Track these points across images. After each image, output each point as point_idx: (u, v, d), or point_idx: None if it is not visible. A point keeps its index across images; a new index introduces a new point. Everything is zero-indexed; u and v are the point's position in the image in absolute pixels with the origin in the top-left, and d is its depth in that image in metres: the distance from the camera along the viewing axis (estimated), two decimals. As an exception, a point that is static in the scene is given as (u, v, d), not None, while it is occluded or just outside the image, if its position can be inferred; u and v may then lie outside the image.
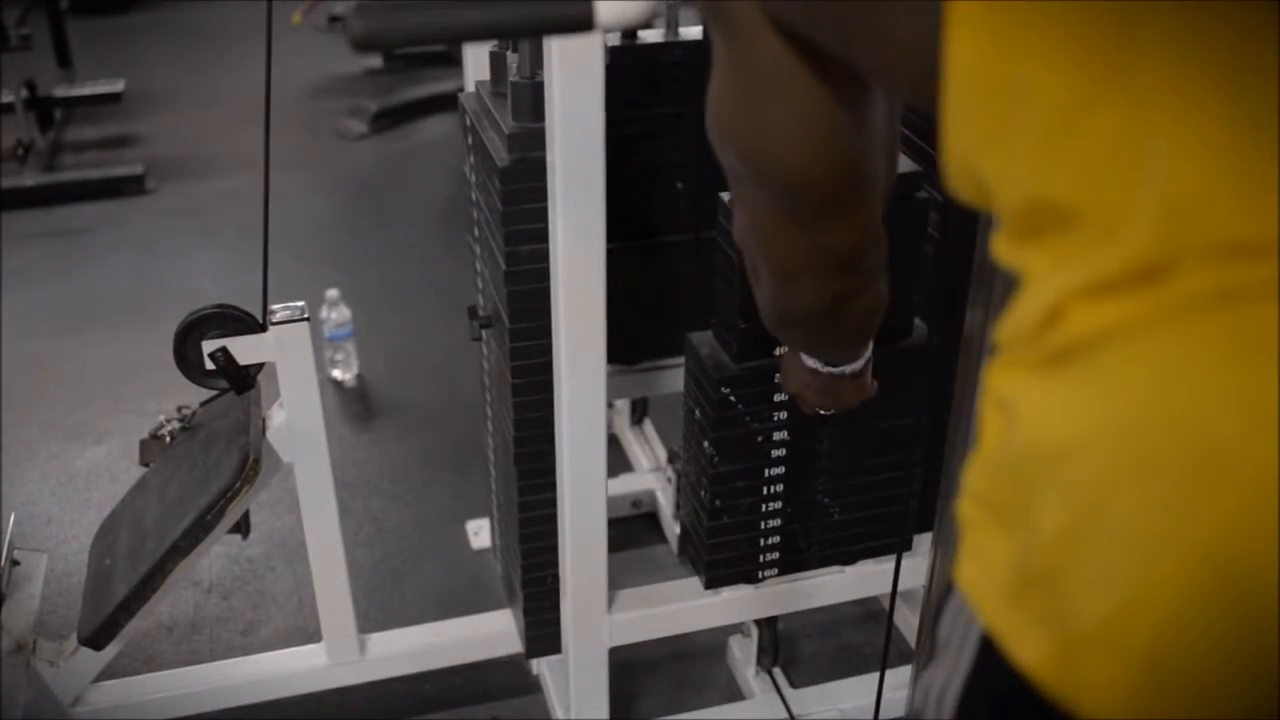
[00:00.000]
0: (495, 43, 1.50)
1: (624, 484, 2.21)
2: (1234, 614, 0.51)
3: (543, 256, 1.39)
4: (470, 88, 1.65)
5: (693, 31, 1.60)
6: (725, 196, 1.41)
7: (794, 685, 1.84)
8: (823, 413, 1.32)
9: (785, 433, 1.48)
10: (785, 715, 1.76)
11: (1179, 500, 0.51)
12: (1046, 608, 0.57)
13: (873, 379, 1.25)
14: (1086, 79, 0.52)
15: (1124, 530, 0.53)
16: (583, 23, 0.95)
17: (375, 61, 4.79)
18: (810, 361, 1.19)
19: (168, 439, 1.63)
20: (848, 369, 1.19)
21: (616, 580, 1.59)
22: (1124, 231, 0.52)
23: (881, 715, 1.56)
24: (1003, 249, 0.61)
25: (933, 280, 1.52)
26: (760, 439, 1.48)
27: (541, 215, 1.37)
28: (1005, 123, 0.56)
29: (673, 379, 1.71)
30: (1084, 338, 0.55)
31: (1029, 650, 0.59)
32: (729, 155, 0.85)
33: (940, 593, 1.44)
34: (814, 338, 1.13)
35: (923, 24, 0.58)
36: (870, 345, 1.18)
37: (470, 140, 1.57)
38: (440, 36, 0.90)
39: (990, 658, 0.61)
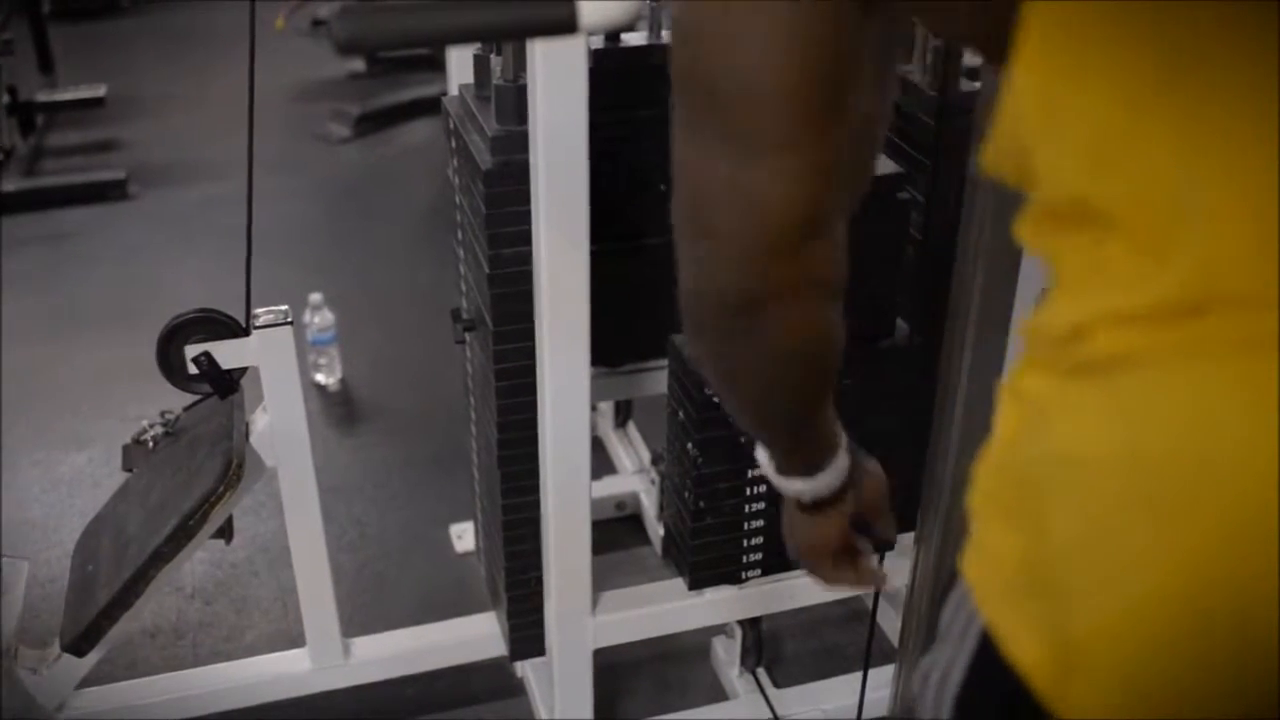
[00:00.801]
0: (479, 46, 1.50)
1: (608, 486, 2.21)
2: (1225, 641, 0.52)
3: (526, 259, 1.40)
4: (454, 91, 1.65)
5: (675, 35, 1.61)
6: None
7: (778, 685, 1.84)
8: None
9: (768, 434, 1.49)
10: (769, 715, 1.77)
11: (1182, 529, 0.52)
12: (1046, 612, 0.58)
13: (866, 544, 0.98)
14: (1139, 100, 0.53)
15: (1131, 552, 0.54)
16: (565, 25, 0.96)
17: (359, 65, 4.79)
18: (761, 454, 0.95)
19: (151, 444, 1.63)
20: (797, 488, 0.93)
21: (600, 582, 1.60)
22: (1159, 272, 0.53)
23: (864, 715, 1.57)
24: (1029, 233, 0.61)
25: (915, 281, 1.53)
26: (743, 440, 1.48)
27: (525, 218, 1.37)
28: (1065, 115, 0.57)
29: (656, 381, 1.71)
30: (1107, 358, 0.56)
31: (1025, 650, 0.60)
32: (689, 79, 0.71)
33: (943, 581, 1.45)
34: (730, 359, 0.81)
35: None
36: (837, 468, 0.92)
37: (454, 144, 1.57)
38: (423, 39, 0.91)
39: (992, 650, 0.62)
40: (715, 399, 1.44)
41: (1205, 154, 0.51)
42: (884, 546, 0.99)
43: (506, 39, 1.35)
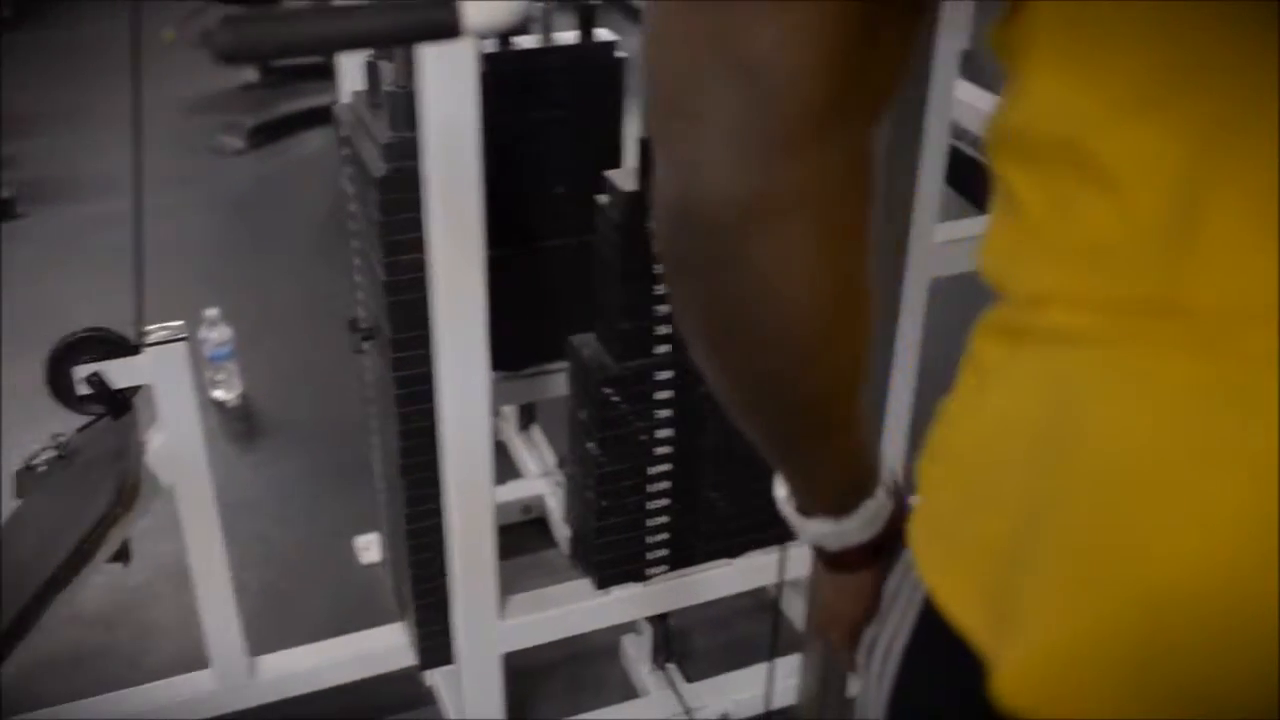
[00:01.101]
0: (370, 52, 1.50)
1: (513, 490, 2.21)
2: (1169, 652, 0.50)
3: (423, 266, 1.39)
4: (346, 99, 1.64)
5: (568, 36, 1.62)
6: (603, 199, 1.42)
7: (689, 680, 1.86)
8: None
9: (669, 430, 1.51)
10: (680, 710, 1.78)
11: (1136, 529, 0.50)
12: (988, 581, 0.56)
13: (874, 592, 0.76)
14: (1143, 108, 0.49)
15: (1075, 544, 0.51)
16: (449, 29, 0.96)
17: (251, 76, 4.71)
18: (779, 488, 0.76)
19: (43, 469, 1.59)
20: (819, 531, 0.74)
21: (509, 586, 1.60)
22: (1157, 258, 0.49)
23: (774, 704, 1.59)
24: (1002, 160, 0.56)
25: None
26: (644, 438, 1.50)
27: (420, 224, 1.37)
28: (1068, 110, 0.52)
29: (559, 383, 1.72)
30: (1060, 331, 0.53)
31: (967, 615, 0.58)
32: None
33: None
34: (718, 311, 0.61)
35: None
36: (873, 512, 0.73)
37: (347, 152, 1.57)
38: (304, 48, 0.90)
39: (936, 617, 0.60)
40: (615, 399, 1.45)
41: (1214, 160, 0.48)
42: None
43: (389, 45, 1.34)
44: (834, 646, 0.81)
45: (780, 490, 0.76)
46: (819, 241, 0.57)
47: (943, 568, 0.61)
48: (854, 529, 0.73)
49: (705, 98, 0.53)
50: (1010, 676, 0.54)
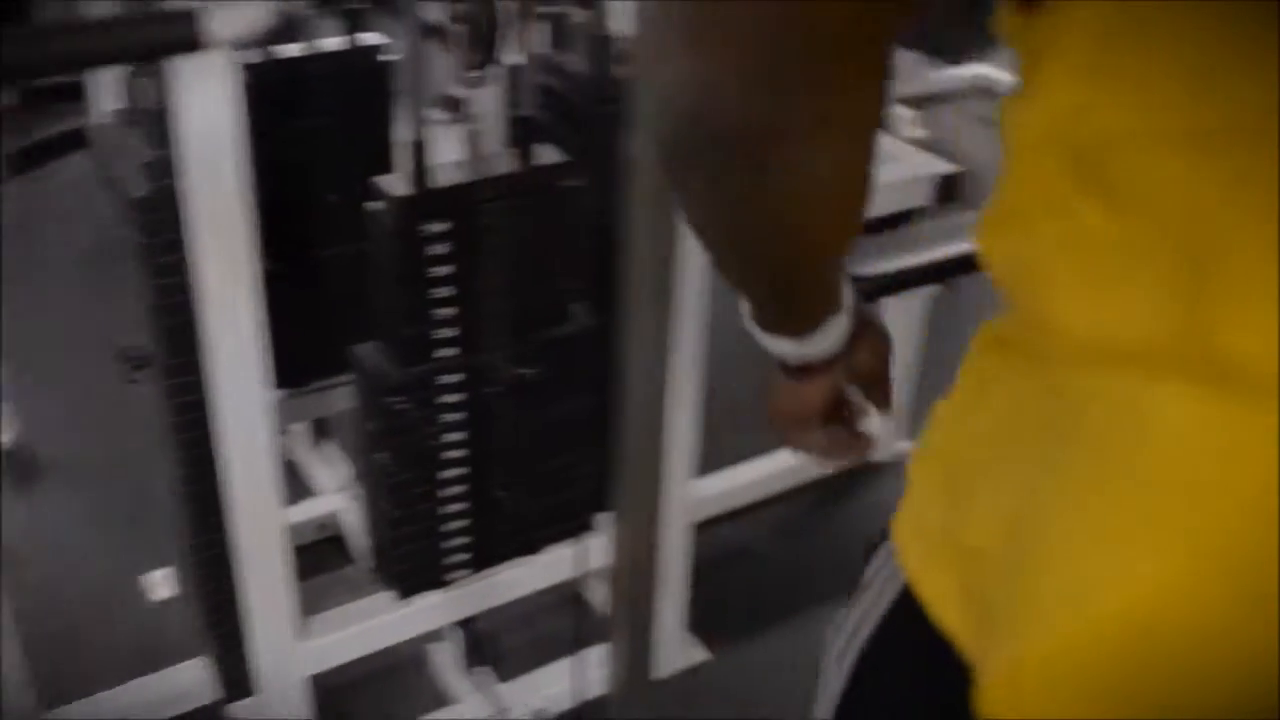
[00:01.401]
0: (130, 69, 1.45)
1: (307, 509, 2.14)
2: (1153, 669, 0.51)
3: (189, 287, 1.36)
4: (102, 118, 1.58)
5: (333, 43, 1.61)
6: (375, 206, 1.40)
7: (501, 680, 1.86)
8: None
9: (459, 434, 1.51)
10: (494, 712, 1.78)
11: (1127, 549, 0.50)
12: (974, 584, 0.57)
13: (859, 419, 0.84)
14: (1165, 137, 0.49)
15: (1066, 557, 0.52)
16: (190, 42, 0.94)
17: (9, 98, 4.45)
18: (744, 303, 0.77)
19: None
20: (783, 349, 0.77)
21: (311, 606, 1.57)
22: (1141, 293, 0.49)
23: (586, 694, 1.61)
24: (1011, 153, 0.55)
25: (592, 266, 1.56)
26: (434, 443, 1.49)
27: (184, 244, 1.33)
28: (1087, 118, 0.51)
29: (347, 396, 1.69)
30: (1061, 350, 0.53)
31: (949, 614, 0.59)
32: None
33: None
34: (724, 205, 0.63)
35: None
36: (835, 330, 0.77)
37: (107, 173, 1.51)
38: (39, 68, 0.87)
39: (909, 604, 0.61)
40: (400, 407, 1.45)
41: (1239, 207, 0.47)
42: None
43: (133, 62, 1.31)
44: (785, 439, 0.85)
45: (744, 307, 0.77)
46: (832, 154, 0.58)
47: (927, 565, 0.62)
48: (815, 347, 0.76)
49: (739, 23, 0.53)
50: (995, 682, 0.54)
